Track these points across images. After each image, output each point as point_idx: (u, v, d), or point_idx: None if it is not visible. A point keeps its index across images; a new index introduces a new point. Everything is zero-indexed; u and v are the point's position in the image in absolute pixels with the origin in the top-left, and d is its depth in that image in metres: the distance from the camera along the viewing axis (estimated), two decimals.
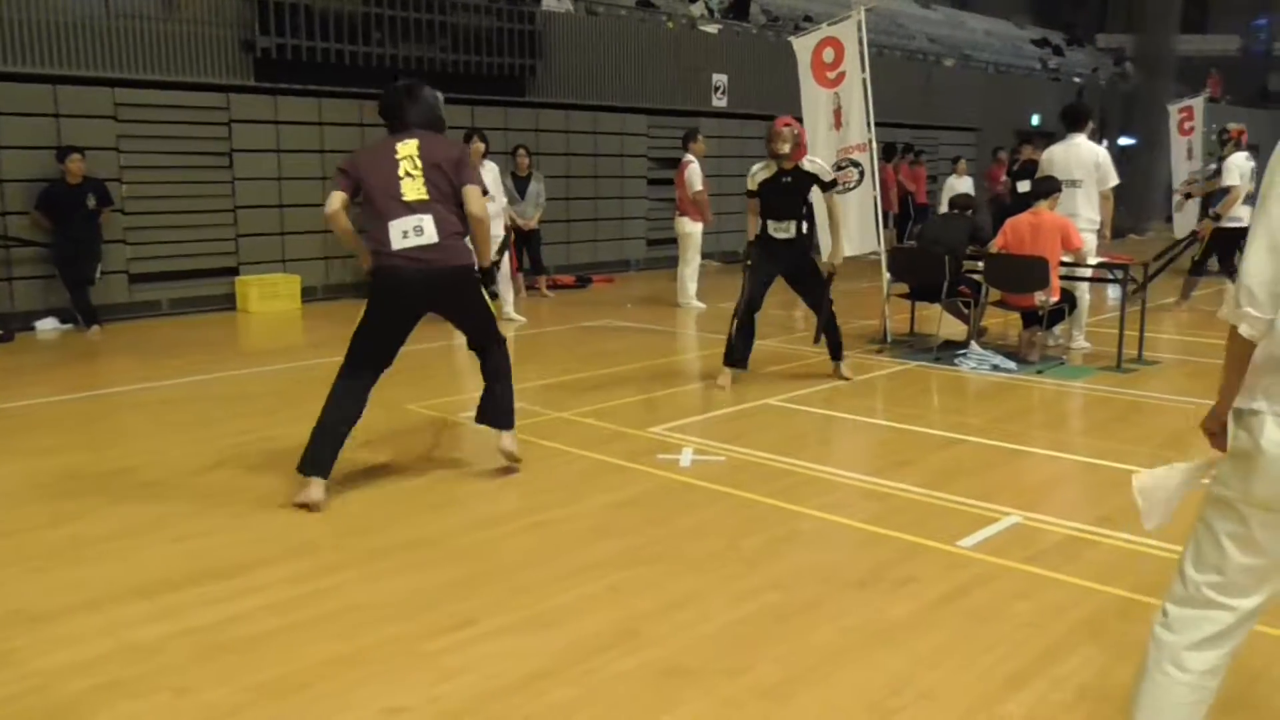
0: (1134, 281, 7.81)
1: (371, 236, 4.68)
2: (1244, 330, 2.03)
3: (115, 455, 5.45)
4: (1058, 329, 8.22)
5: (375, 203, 4.62)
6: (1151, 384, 7.23)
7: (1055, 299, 7.54)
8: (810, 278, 7.09)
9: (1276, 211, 1.96)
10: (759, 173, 6.92)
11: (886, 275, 8.64)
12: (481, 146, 9.67)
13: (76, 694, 2.96)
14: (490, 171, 9.74)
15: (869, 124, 8.62)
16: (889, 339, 8.60)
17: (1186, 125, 16.84)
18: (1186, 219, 16.84)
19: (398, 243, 4.59)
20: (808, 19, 17.89)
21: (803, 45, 9.09)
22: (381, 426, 5.99)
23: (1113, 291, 9.54)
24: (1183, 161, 17.04)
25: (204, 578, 3.78)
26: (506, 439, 5.07)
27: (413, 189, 4.61)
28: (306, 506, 4.49)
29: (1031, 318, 7.81)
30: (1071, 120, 8.48)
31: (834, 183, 7.14)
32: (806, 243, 7.02)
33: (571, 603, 3.59)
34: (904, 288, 8.62)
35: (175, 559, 3.97)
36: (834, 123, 8.83)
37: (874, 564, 3.95)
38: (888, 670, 3.09)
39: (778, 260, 6.94)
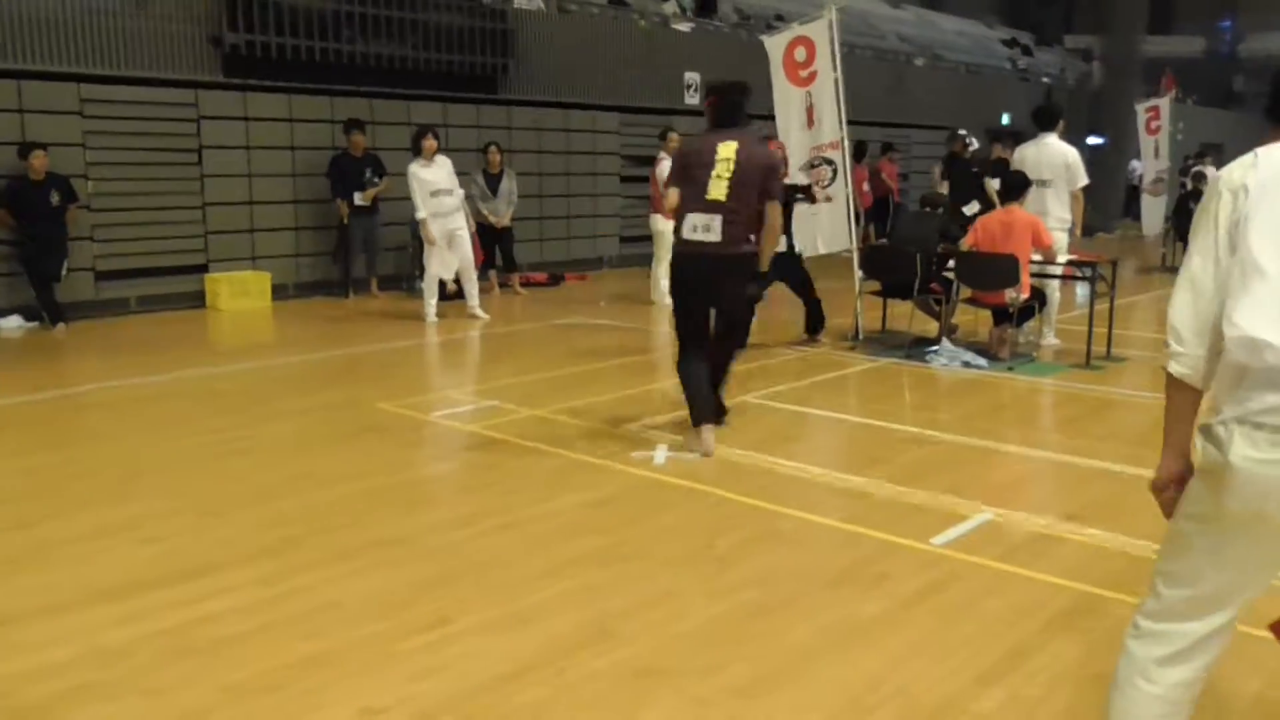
0: (1103, 279, 7.89)
1: (677, 225, 5.26)
2: (1174, 369, 2.11)
3: (82, 456, 5.38)
4: (1028, 326, 8.29)
5: (684, 194, 5.17)
6: (1120, 380, 7.31)
7: (1025, 296, 7.61)
8: (799, 272, 8.23)
9: (1197, 261, 2.09)
10: None
11: (858, 273, 8.68)
12: (434, 143, 9.65)
13: (45, 698, 2.92)
14: (443, 167, 9.71)
15: (841, 122, 8.66)
16: (861, 336, 8.64)
17: (1153, 125, 17.05)
18: (1154, 216, 17.06)
19: (688, 234, 5.15)
20: (779, 18, 17.91)
21: (775, 44, 9.11)
22: (353, 425, 5.95)
23: (1082, 289, 9.64)
24: (1150, 160, 17.25)
25: (173, 579, 3.74)
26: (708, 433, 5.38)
27: (718, 189, 5.10)
28: (707, 453, 5.21)
29: (1002, 315, 7.87)
30: (1043, 120, 8.56)
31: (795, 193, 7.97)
32: (790, 248, 8.11)
33: (545, 602, 3.58)
34: (876, 285, 8.67)
35: (144, 560, 3.92)
36: (806, 121, 8.86)
37: (848, 562, 3.97)
38: (862, 668, 3.11)
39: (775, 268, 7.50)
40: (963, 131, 12.38)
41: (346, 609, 3.50)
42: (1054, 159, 8.28)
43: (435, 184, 9.60)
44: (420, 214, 9.55)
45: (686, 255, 5.22)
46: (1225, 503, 2.00)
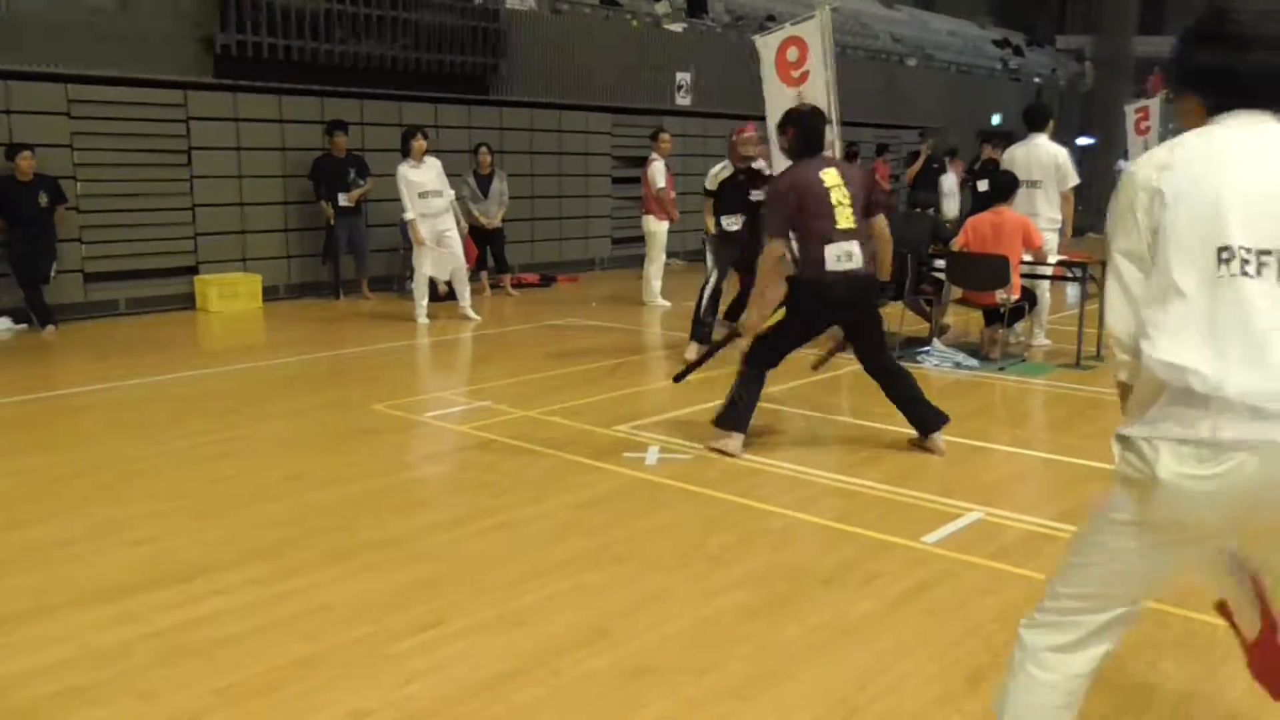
0: (1093, 280, 7.91)
1: (805, 255, 5.23)
2: (1124, 377, 2.12)
3: (72, 457, 5.36)
4: (1018, 326, 8.31)
5: (812, 227, 5.16)
6: (1109, 381, 7.31)
7: (1016, 297, 7.63)
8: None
9: (1126, 268, 2.07)
10: (720, 173, 7.70)
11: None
12: (423, 144, 9.66)
13: (37, 700, 2.91)
14: (433, 168, 9.72)
15: (833, 123, 8.66)
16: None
17: (1143, 125, 17.10)
18: None
19: (832, 265, 5.16)
20: (771, 18, 17.94)
21: (766, 44, 9.11)
22: (345, 427, 5.95)
23: (1072, 290, 9.66)
24: None
25: (165, 581, 3.73)
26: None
27: (845, 217, 5.20)
28: (732, 454, 5.29)
29: (993, 315, 7.90)
30: (1033, 121, 8.58)
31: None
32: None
33: (538, 603, 3.58)
34: None
35: (136, 562, 3.91)
36: None
37: (840, 561, 3.98)
38: (854, 667, 3.12)
39: (732, 249, 7.84)
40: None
41: (339, 611, 3.49)
42: (1044, 160, 8.31)
43: (424, 185, 9.59)
44: (409, 215, 9.54)
45: (834, 282, 5.20)
46: (1149, 514, 2.02)
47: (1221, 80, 2.06)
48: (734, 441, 5.34)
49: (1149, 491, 1.98)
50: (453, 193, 10.01)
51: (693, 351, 7.43)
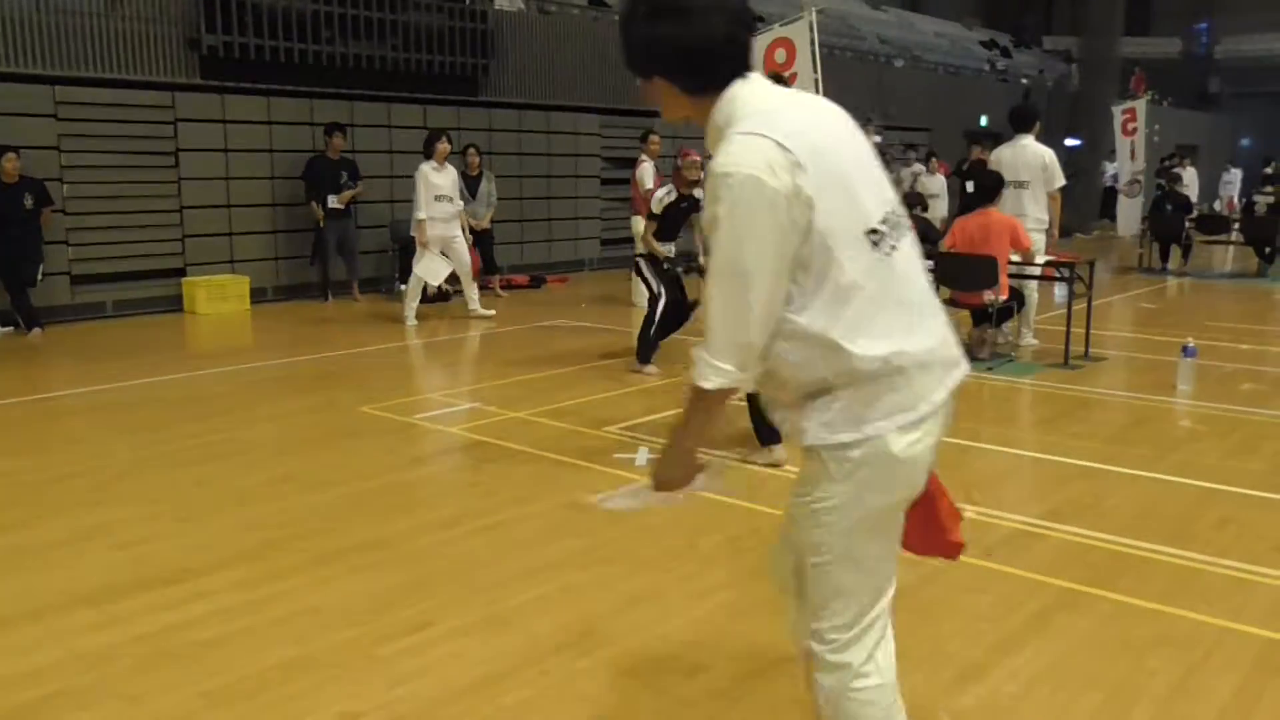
0: (1080, 280, 7.94)
1: None
2: (740, 384, 1.95)
3: (58, 461, 5.33)
4: (1006, 326, 8.33)
5: None
6: (1098, 380, 7.36)
7: (1004, 297, 7.65)
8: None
9: (768, 281, 1.87)
10: (665, 198, 7.48)
11: None
12: (447, 147, 9.75)
13: (24, 705, 2.89)
14: (450, 174, 9.76)
15: None
16: None
17: (1130, 126, 17.18)
18: (1129, 217, 17.20)
19: None
20: (759, 19, 17.96)
21: (755, 46, 9.12)
22: (333, 428, 5.93)
23: (1060, 290, 9.69)
24: (1126, 162, 17.38)
25: (152, 584, 3.71)
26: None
27: None
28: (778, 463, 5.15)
29: (981, 315, 7.92)
30: (1019, 122, 8.61)
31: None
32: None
33: (527, 604, 3.57)
34: None
35: (122, 565, 3.89)
36: None
37: None
38: None
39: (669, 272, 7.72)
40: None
41: (327, 613, 3.48)
42: (1031, 160, 8.33)
43: (441, 189, 9.66)
44: (420, 214, 9.56)
45: None
46: (897, 492, 2.03)
47: (693, 57, 1.95)
48: (778, 449, 5.22)
49: (893, 472, 1.98)
50: (461, 203, 10.03)
51: (650, 370, 7.39)
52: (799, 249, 1.85)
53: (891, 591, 2.14)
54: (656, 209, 7.53)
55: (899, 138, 19.75)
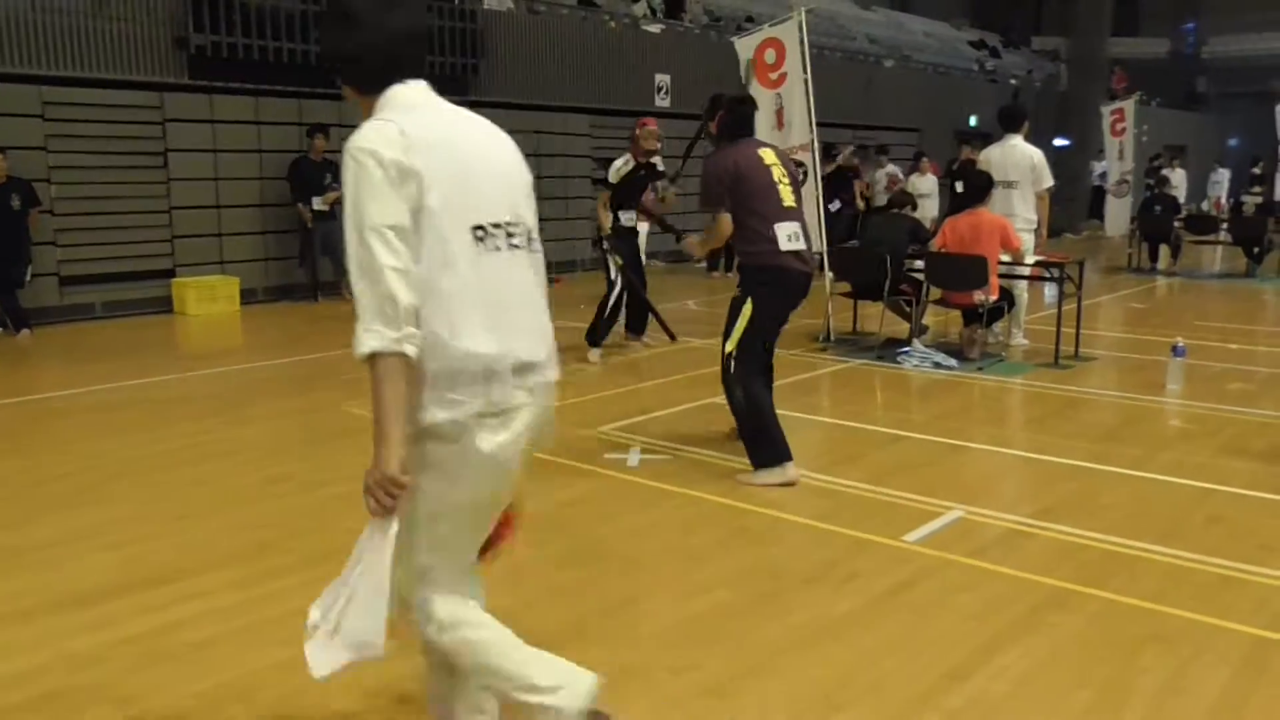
0: (1070, 280, 7.97)
1: (755, 235, 4.89)
2: (410, 349, 2.03)
3: (48, 462, 5.31)
4: (997, 326, 8.36)
5: (757, 206, 4.86)
6: (1088, 380, 7.38)
7: (994, 297, 7.68)
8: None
9: (394, 242, 2.00)
10: (623, 167, 7.66)
11: (829, 274, 8.72)
12: None
13: (14, 706, 2.88)
14: None
15: (811, 124, 8.70)
16: (832, 337, 8.68)
17: (1118, 126, 17.24)
18: (1118, 217, 17.27)
19: (786, 244, 4.87)
20: (749, 20, 17.99)
21: (745, 46, 9.14)
22: (325, 429, 5.92)
23: (1049, 290, 9.73)
24: (1115, 162, 17.45)
25: (144, 584, 3.70)
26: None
27: (788, 196, 4.96)
28: (792, 483, 4.86)
29: (972, 315, 7.94)
30: (1008, 121, 8.63)
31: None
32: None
33: (517, 603, 3.56)
34: (846, 286, 8.72)
35: (113, 566, 3.88)
36: (776, 123, 8.90)
37: (820, 560, 3.99)
38: (834, 664, 3.13)
39: (630, 243, 7.95)
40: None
41: None
42: (1020, 160, 8.36)
43: None
44: None
45: (795, 267, 4.90)
46: (481, 484, 2.19)
47: (361, 63, 2.20)
48: (788, 470, 4.90)
49: (482, 466, 2.14)
50: None
51: (595, 356, 7.55)
52: (415, 221, 2.03)
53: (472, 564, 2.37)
54: (614, 178, 7.61)
55: (890, 138, 19.81)
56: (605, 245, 7.81)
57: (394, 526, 2.12)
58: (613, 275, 7.72)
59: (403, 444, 2.06)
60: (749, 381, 4.91)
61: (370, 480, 2.11)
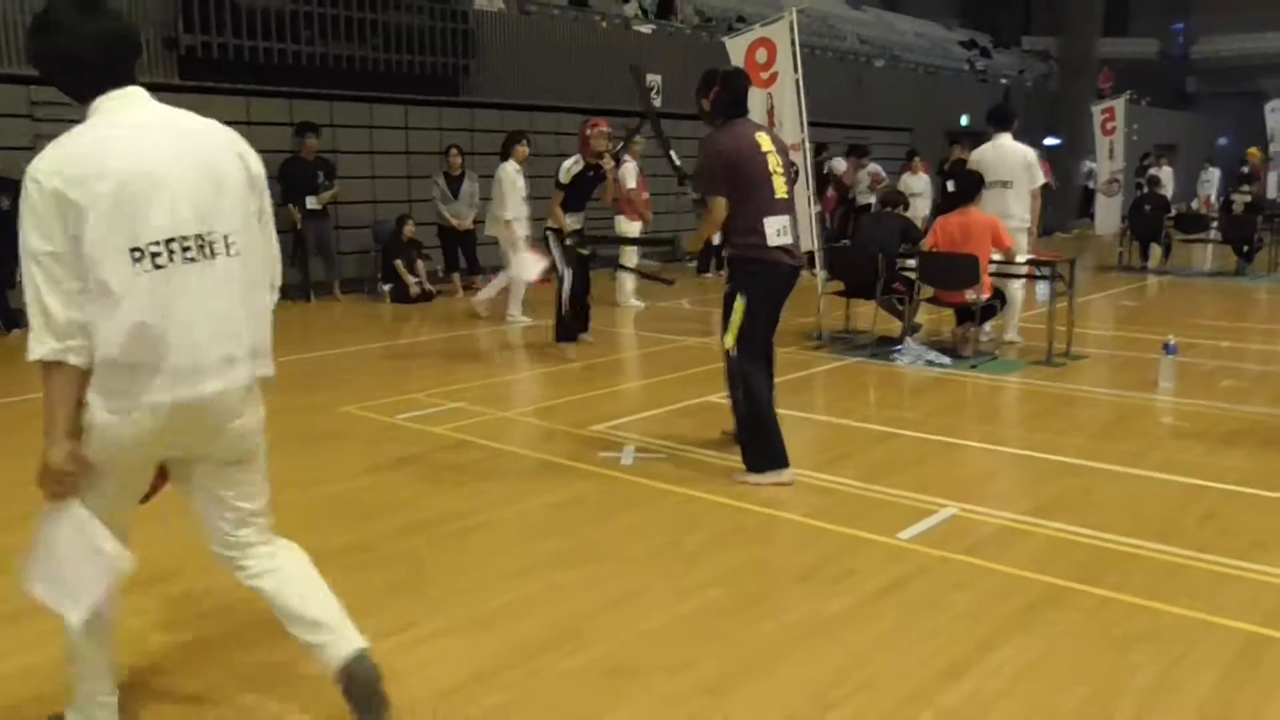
0: (1061, 278, 7.98)
1: (745, 227, 4.78)
2: (76, 361, 2.26)
3: (36, 463, 5.26)
4: (989, 325, 8.37)
5: (750, 197, 4.75)
6: (1080, 377, 7.39)
7: (987, 296, 7.69)
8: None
9: (53, 268, 2.22)
10: (572, 167, 7.54)
11: (822, 273, 8.72)
12: (526, 150, 9.84)
13: (5, 707, 2.87)
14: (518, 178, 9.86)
15: (802, 124, 8.70)
16: (825, 336, 8.68)
17: (1109, 126, 17.26)
18: (1108, 216, 17.31)
19: (775, 240, 4.77)
20: (740, 19, 18.00)
21: (736, 46, 9.14)
22: (317, 429, 5.89)
23: (1042, 288, 9.75)
24: (1105, 161, 17.48)
25: (134, 585, 3.64)
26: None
27: (780, 186, 4.82)
28: (787, 484, 4.82)
29: (964, 314, 7.95)
30: (1000, 121, 8.64)
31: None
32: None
33: (512, 604, 3.56)
34: (839, 285, 8.72)
35: None
36: (768, 122, 8.89)
37: (814, 558, 3.98)
38: (829, 662, 3.12)
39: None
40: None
41: None
42: (1013, 159, 8.37)
43: (526, 190, 9.77)
44: (507, 214, 9.65)
45: (784, 261, 4.83)
46: (132, 460, 2.49)
47: (63, 70, 2.38)
48: (783, 475, 4.87)
49: (131, 445, 2.39)
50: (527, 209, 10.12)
51: (573, 352, 7.44)
52: (78, 249, 2.20)
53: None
54: (565, 179, 7.51)
55: (881, 138, 19.84)
56: (567, 242, 7.72)
57: (75, 507, 2.45)
58: (559, 269, 7.62)
59: (69, 437, 2.32)
60: (751, 376, 4.87)
61: (41, 472, 2.39)
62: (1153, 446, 5.57)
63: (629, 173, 10.60)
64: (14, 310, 8.99)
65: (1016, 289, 8.45)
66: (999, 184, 8.23)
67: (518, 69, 13.52)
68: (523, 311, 9.69)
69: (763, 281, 4.85)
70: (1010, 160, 8.35)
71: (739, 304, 4.84)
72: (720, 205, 4.75)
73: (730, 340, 4.87)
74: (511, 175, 9.62)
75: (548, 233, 7.76)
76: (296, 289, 11.14)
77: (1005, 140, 8.47)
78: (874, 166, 16.01)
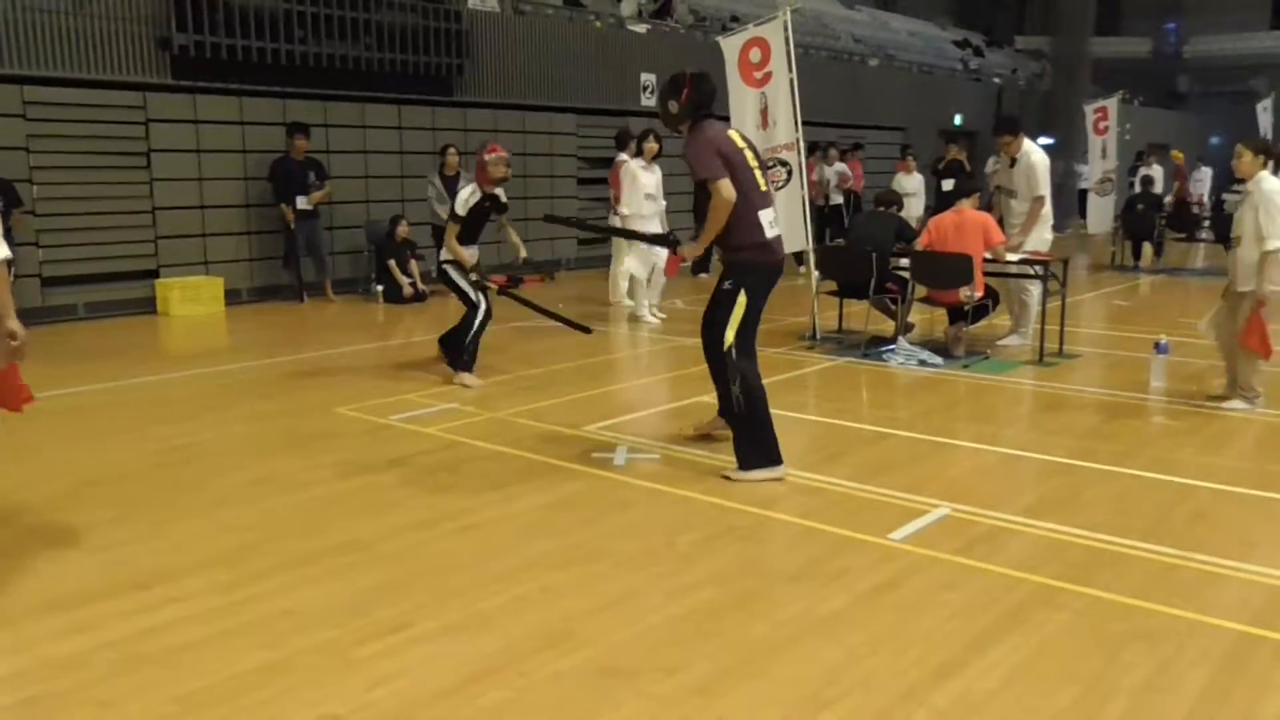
0: (1055, 278, 8.00)
1: (743, 223, 4.86)
2: None
3: (29, 465, 5.26)
4: (1013, 337, 8.37)
5: (743, 189, 4.82)
6: (1072, 377, 7.41)
7: (980, 295, 7.70)
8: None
9: None
10: (470, 198, 6.97)
11: (815, 273, 8.73)
12: (656, 146, 9.79)
13: None
14: (656, 174, 9.88)
15: (796, 123, 8.71)
16: (818, 335, 8.69)
17: (1101, 125, 17.29)
18: (1101, 215, 17.34)
19: (770, 231, 4.93)
20: (735, 19, 18.00)
21: (730, 45, 9.15)
22: (310, 430, 5.89)
23: (1033, 287, 9.75)
24: (1098, 160, 17.51)
25: (124, 588, 3.67)
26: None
27: (762, 180, 5.00)
28: (779, 480, 4.90)
29: (957, 313, 7.96)
30: (1008, 130, 8.57)
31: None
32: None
33: (505, 604, 3.56)
34: (832, 285, 8.73)
35: (93, 570, 3.85)
36: (760, 122, 8.90)
37: (807, 558, 3.99)
38: (822, 662, 3.13)
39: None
40: None
41: (303, 616, 3.45)
42: (1027, 165, 8.42)
43: (648, 187, 9.73)
44: (626, 210, 9.69)
45: (778, 254, 5.01)
46: None
47: None
48: (776, 471, 4.93)
49: None
50: (664, 203, 10.10)
51: (469, 379, 6.90)
52: None
53: None
54: (462, 210, 6.96)
55: (874, 137, 19.84)
56: (472, 277, 7.09)
57: None
58: (473, 297, 7.03)
59: None
60: (747, 372, 4.93)
61: None
62: (1143, 446, 5.58)
63: (635, 171, 10.57)
64: None
65: (1033, 291, 8.31)
66: (1007, 193, 8.35)
67: (512, 69, 13.52)
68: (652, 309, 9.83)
69: (762, 276, 4.95)
70: (1040, 169, 8.40)
71: (741, 298, 4.90)
72: (728, 186, 4.74)
73: (731, 336, 4.91)
74: (634, 171, 9.67)
75: (444, 266, 7.15)
76: (288, 289, 11.13)
77: (1026, 147, 8.48)
78: (840, 166, 15.93)
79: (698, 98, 4.95)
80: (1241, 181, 6.35)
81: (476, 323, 6.99)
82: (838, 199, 15.78)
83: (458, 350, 7.05)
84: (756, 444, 4.93)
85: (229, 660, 3.13)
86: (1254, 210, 6.03)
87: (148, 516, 4.46)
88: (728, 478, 4.93)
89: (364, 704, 2.88)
